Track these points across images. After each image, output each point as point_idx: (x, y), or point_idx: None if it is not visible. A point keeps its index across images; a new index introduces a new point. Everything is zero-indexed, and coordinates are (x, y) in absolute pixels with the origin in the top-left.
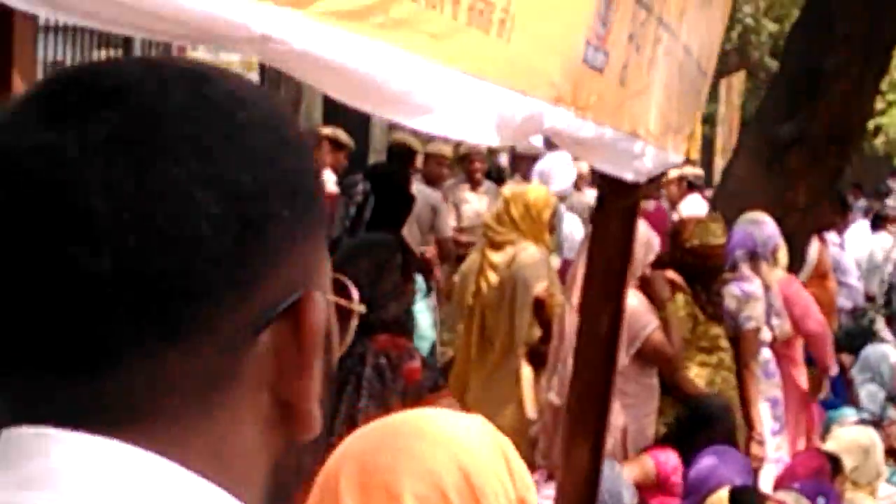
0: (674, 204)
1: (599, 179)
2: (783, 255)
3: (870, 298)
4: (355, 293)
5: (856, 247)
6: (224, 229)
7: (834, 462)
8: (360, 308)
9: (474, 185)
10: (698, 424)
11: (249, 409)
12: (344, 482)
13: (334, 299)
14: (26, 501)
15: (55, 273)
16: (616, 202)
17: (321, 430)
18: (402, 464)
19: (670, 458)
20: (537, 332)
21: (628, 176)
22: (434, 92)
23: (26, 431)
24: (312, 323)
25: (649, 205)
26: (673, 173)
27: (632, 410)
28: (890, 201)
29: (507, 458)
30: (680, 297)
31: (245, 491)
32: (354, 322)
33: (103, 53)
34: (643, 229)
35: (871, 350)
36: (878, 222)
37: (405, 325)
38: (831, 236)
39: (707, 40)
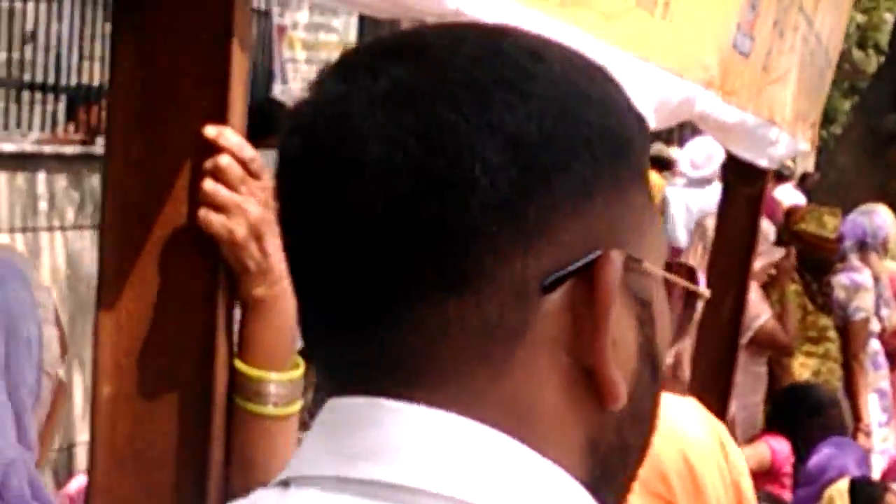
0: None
1: (726, 167)
2: (894, 246)
3: None
4: (702, 279)
5: None
6: (502, 177)
7: None
8: (705, 293)
9: None
10: (810, 413)
11: (546, 369)
12: None
13: (668, 275)
14: (364, 473)
15: (337, 220)
16: (743, 190)
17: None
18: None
19: (784, 447)
20: None
21: (762, 162)
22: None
23: (356, 401)
24: (608, 283)
25: None
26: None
27: (741, 399)
28: None
29: (723, 443)
30: (791, 288)
31: (557, 457)
32: (699, 307)
33: None
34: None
35: None
36: None
37: None
38: None
39: (836, 28)
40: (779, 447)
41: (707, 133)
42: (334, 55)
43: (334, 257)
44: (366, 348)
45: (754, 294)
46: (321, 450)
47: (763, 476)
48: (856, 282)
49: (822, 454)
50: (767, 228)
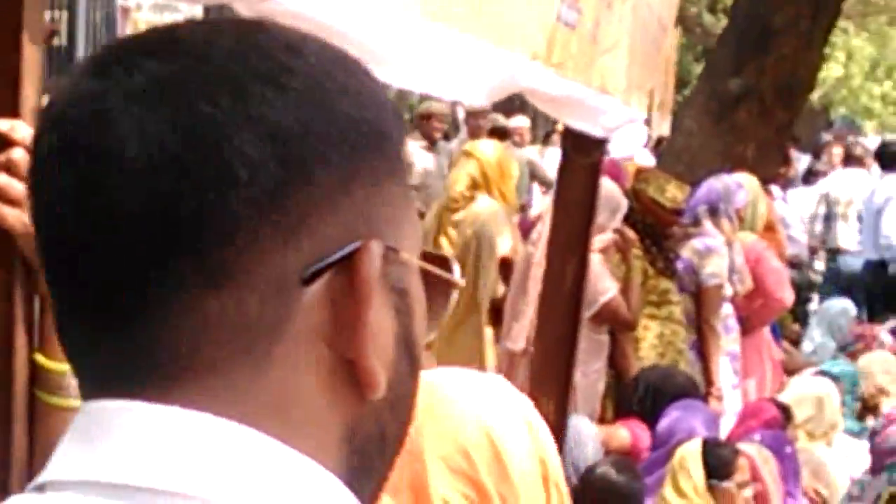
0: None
1: (563, 137)
2: (751, 217)
3: (812, 251)
4: (456, 268)
5: (797, 201)
6: (262, 170)
7: (785, 412)
8: (460, 282)
9: (431, 144)
10: (669, 399)
11: (307, 362)
12: None
13: (424, 265)
14: (114, 476)
15: (96, 217)
16: (580, 159)
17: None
18: (425, 424)
19: (643, 433)
20: (501, 290)
21: (597, 132)
22: (419, 50)
23: (110, 404)
24: (367, 274)
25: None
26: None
27: (582, 367)
28: (823, 158)
29: (529, 420)
30: (648, 267)
31: (314, 451)
32: (454, 296)
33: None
34: (613, 189)
35: (830, 303)
36: (810, 177)
37: None
38: (775, 190)
39: None
40: (639, 431)
41: (538, 105)
42: None
43: (92, 255)
44: (125, 348)
45: (600, 268)
46: (76, 453)
47: None
48: (709, 247)
49: (671, 417)
50: (622, 200)
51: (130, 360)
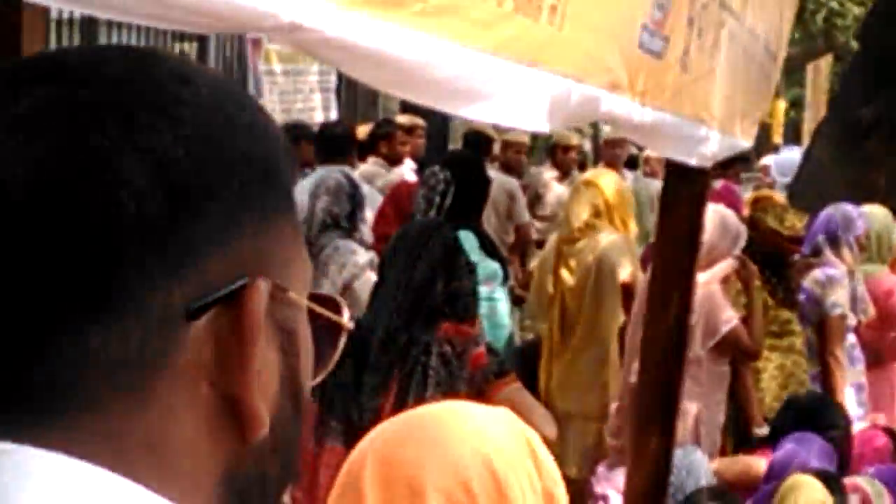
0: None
1: (665, 166)
2: (880, 245)
3: None
4: (346, 311)
5: None
6: (148, 201)
7: None
8: (348, 325)
9: (563, 175)
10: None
11: (188, 401)
12: (368, 475)
13: (312, 306)
14: None
15: None
16: (682, 188)
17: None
18: (426, 458)
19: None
20: (622, 318)
21: (692, 161)
22: (479, 79)
23: None
24: (253, 312)
25: (716, 184)
26: (767, 160)
27: (703, 398)
28: None
29: (534, 452)
30: (756, 288)
31: (189, 493)
32: (342, 339)
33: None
34: (733, 217)
35: None
36: None
37: (470, 311)
38: None
39: (776, 23)
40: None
41: (625, 134)
42: (312, 67)
43: None
44: (4, 385)
45: (721, 297)
46: None
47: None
48: (830, 276)
49: (786, 449)
50: (742, 229)
51: (11, 399)
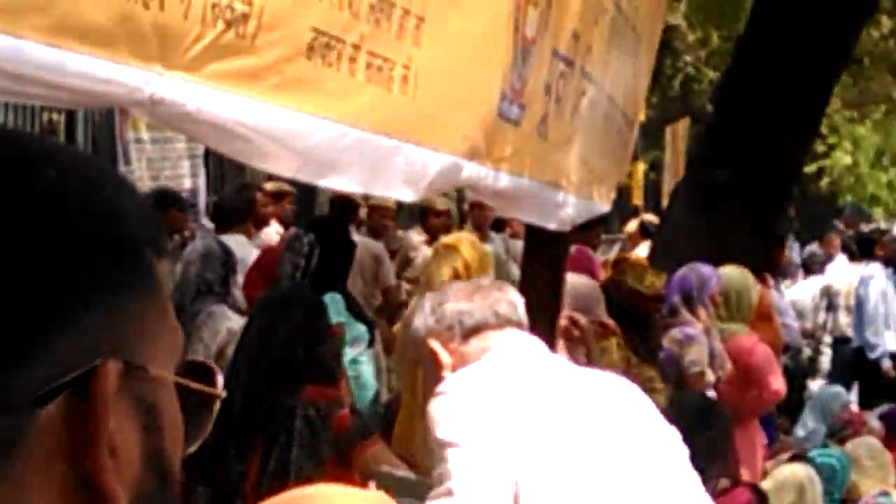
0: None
1: (526, 231)
2: (739, 304)
3: (805, 335)
4: (220, 379)
5: (797, 289)
6: None
7: (760, 497)
8: (220, 393)
9: (432, 238)
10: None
11: (43, 483)
12: None
13: (178, 380)
14: None
15: None
16: (542, 252)
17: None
18: None
19: None
20: None
21: (551, 225)
22: (337, 149)
23: None
24: (102, 394)
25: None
26: (633, 223)
27: None
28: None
29: None
30: (613, 341)
31: None
32: (216, 407)
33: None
34: (590, 281)
35: (824, 390)
36: (813, 266)
37: (333, 374)
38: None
39: (633, 90)
40: None
41: (484, 200)
42: (180, 134)
43: None
44: None
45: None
46: None
47: None
48: (688, 335)
49: None
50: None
51: None
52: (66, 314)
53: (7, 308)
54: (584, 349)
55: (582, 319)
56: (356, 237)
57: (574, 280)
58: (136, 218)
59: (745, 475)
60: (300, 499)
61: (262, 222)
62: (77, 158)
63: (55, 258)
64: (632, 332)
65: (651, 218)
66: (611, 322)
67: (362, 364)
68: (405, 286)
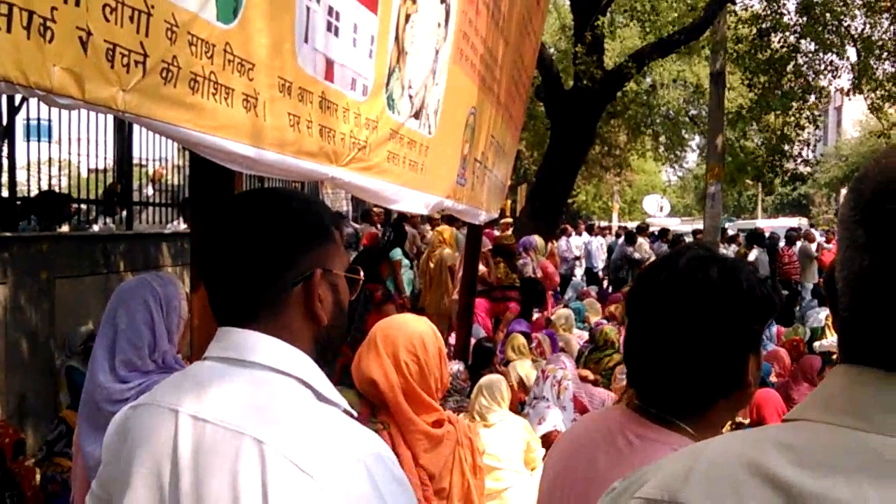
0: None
1: (468, 225)
2: (541, 249)
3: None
4: (361, 273)
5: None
6: (285, 243)
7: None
8: (360, 277)
9: (433, 226)
10: None
11: (298, 315)
12: (377, 338)
13: (345, 274)
14: (233, 354)
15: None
16: (474, 230)
17: (339, 328)
18: (398, 333)
19: None
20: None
21: (476, 221)
22: (399, 194)
23: (233, 330)
24: (314, 282)
25: (486, 230)
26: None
27: None
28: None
29: (434, 332)
30: (501, 266)
31: (302, 345)
32: (360, 283)
33: None
34: (484, 240)
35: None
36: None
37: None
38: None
39: (504, 171)
40: None
41: (454, 213)
42: (342, 191)
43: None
44: (240, 309)
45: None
46: (214, 348)
47: None
48: (525, 263)
49: (511, 327)
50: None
51: (242, 315)
52: (301, 251)
53: (281, 250)
54: (493, 269)
55: (488, 253)
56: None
57: (485, 241)
58: (327, 216)
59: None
60: (397, 319)
61: (373, 223)
62: (304, 194)
63: (297, 231)
64: (506, 261)
65: (509, 220)
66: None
67: (406, 275)
68: (423, 246)
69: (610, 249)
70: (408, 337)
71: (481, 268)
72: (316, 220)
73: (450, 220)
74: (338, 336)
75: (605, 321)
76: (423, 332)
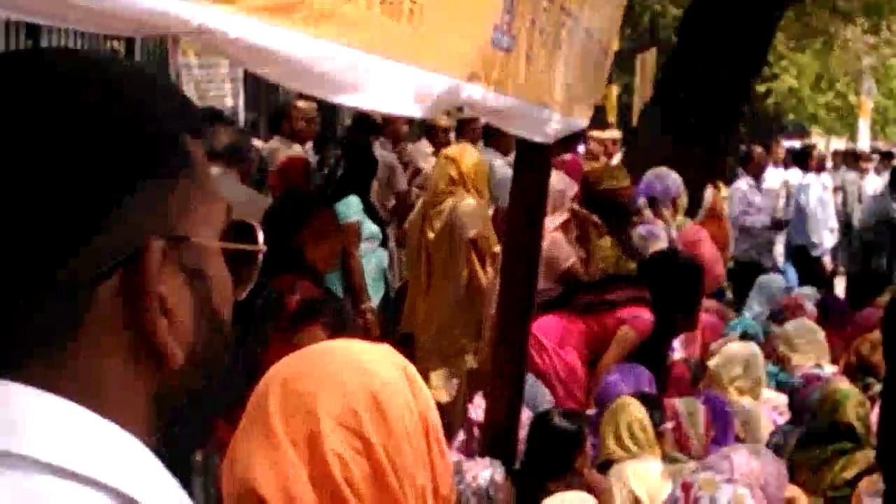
0: (609, 157)
1: (516, 143)
2: (684, 202)
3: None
4: (261, 235)
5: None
6: (41, 186)
7: (699, 370)
8: (261, 248)
9: (438, 150)
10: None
11: (111, 346)
12: (272, 402)
13: (221, 245)
14: None
15: None
16: (531, 159)
17: (210, 367)
18: (320, 388)
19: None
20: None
21: (537, 138)
22: (355, 73)
23: None
24: (148, 268)
25: (566, 155)
26: (606, 135)
27: None
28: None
29: (411, 380)
30: (607, 239)
31: (123, 413)
32: (258, 261)
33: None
34: (562, 178)
35: (768, 277)
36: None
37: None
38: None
39: (607, 24)
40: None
41: (481, 117)
42: (222, 59)
43: None
44: None
45: (561, 239)
46: None
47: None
48: (651, 232)
49: (608, 380)
50: (570, 184)
51: None
52: (111, 199)
53: (61, 199)
54: (584, 245)
55: (583, 211)
56: (376, 148)
57: (554, 180)
58: (172, 113)
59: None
60: (323, 350)
61: (300, 137)
62: (125, 72)
63: (98, 153)
64: (618, 232)
65: (616, 135)
66: (598, 220)
67: (372, 258)
68: (415, 191)
69: (847, 204)
70: (341, 396)
71: (553, 241)
72: (148, 127)
73: (473, 133)
74: (209, 385)
75: (832, 371)
76: (380, 384)
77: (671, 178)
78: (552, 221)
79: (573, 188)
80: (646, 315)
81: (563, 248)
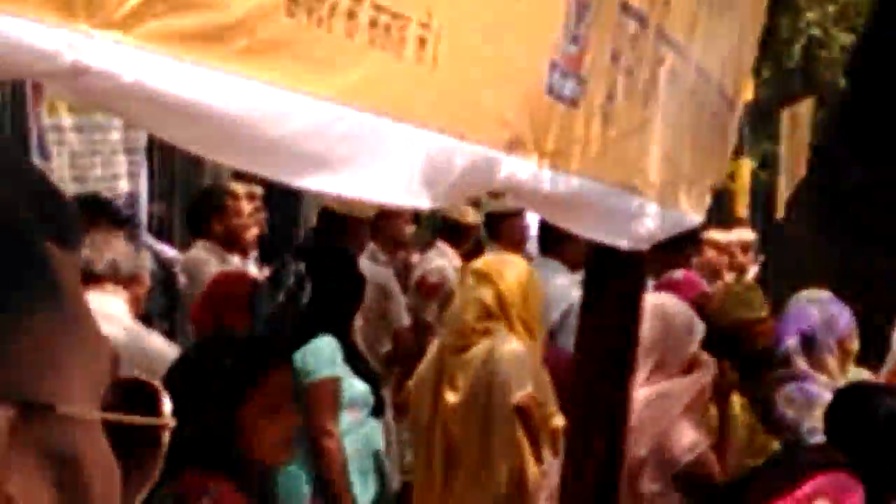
0: (737, 271)
1: (589, 250)
2: (856, 344)
3: None
4: (167, 403)
5: None
6: None
7: None
8: (167, 421)
9: (462, 259)
10: None
11: None
12: None
13: (105, 416)
14: None
15: None
16: (611, 278)
17: None
18: None
19: None
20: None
21: (622, 243)
22: (329, 139)
23: None
24: None
25: (677, 274)
26: (732, 237)
27: None
28: None
29: None
30: (736, 402)
31: None
32: (165, 438)
33: None
34: (681, 308)
35: None
36: None
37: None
38: None
39: (734, 59)
40: None
41: (530, 208)
42: (114, 121)
43: None
44: None
45: (681, 415)
46: None
47: None
48: (808, 394)
49: None
50: (696, 322)
51: None
52: None
53: None
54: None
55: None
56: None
57: (667, 304)
58: (26, 211)
59: None
60: None
61: (236, 244)
62: None
63: None
64: (752, 386)
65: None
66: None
67: (358, 439)
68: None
69: None
70: None
71: (664, 414)
72: (7, 225)
73: (517, 234)
74: None
75: None
76: None
77: (837, 307)
78: (659, 384)
79: (699, 329)
80: None
81: (681, 427)
